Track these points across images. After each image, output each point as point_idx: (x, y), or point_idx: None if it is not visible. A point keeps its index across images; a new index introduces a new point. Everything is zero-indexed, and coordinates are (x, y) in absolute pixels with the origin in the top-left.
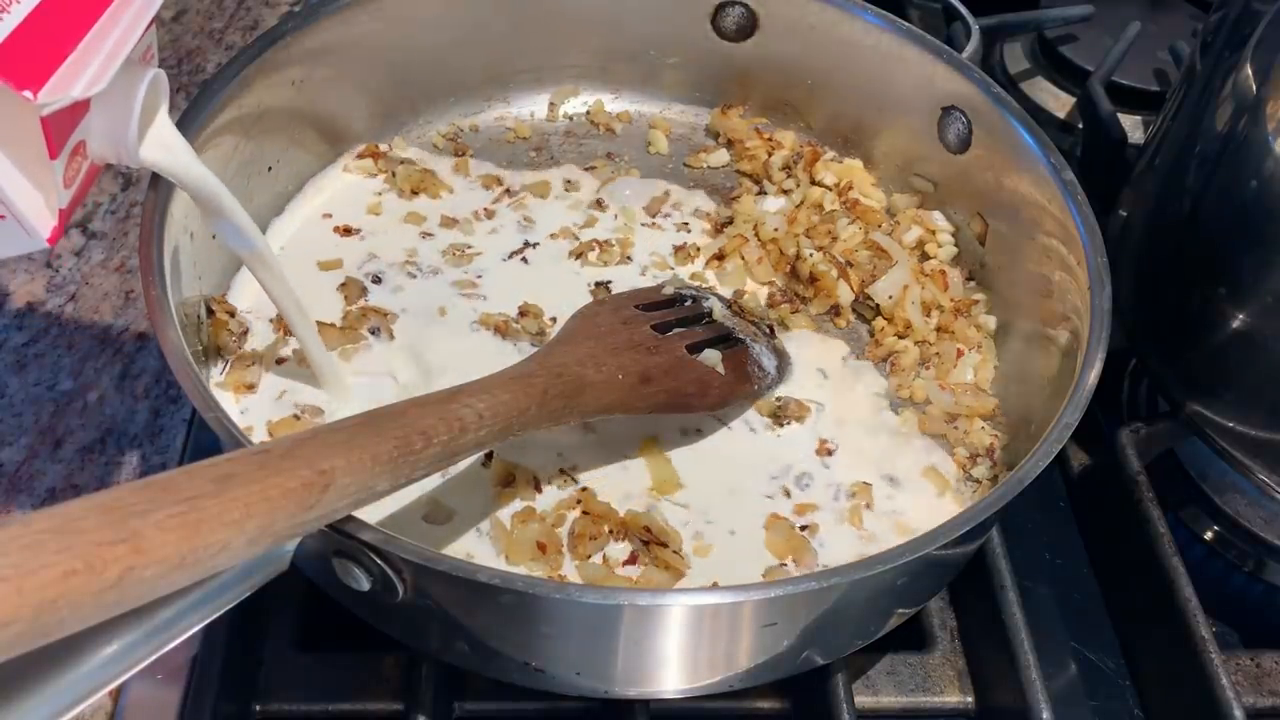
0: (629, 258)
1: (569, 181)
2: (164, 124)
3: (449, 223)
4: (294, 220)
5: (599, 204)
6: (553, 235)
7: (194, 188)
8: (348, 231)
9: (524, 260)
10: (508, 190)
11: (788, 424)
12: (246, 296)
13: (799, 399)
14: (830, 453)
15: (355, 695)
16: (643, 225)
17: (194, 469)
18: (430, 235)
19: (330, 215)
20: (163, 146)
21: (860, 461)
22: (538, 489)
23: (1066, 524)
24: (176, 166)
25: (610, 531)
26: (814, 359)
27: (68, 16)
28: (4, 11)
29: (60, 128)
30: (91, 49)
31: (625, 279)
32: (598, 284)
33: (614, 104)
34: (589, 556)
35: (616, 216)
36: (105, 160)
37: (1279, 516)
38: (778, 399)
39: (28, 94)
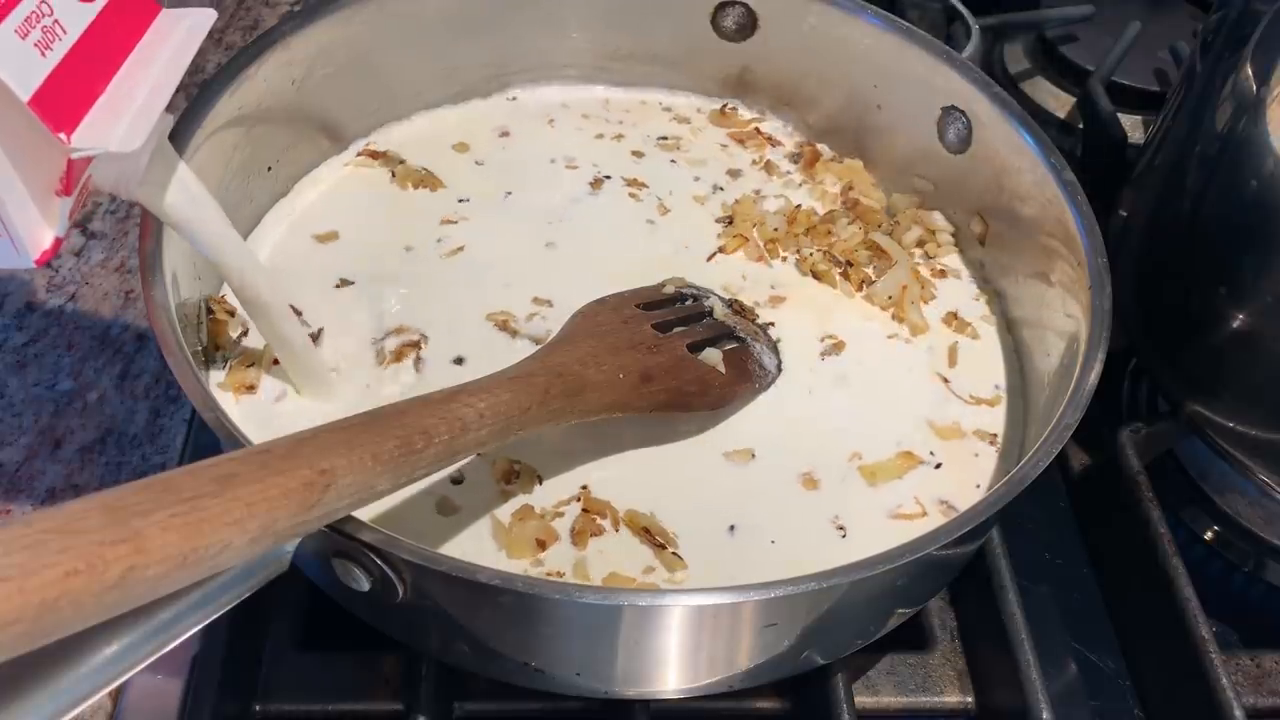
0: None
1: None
2: (175, 166)
3: (449, 220)
4: (293, 219)
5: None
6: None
7: (188, 229)
8: (347, 230)
9: (527, 255)
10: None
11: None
12: None
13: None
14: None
15: (355, 695)
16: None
17: (195, 468)
18: (431, 233)
19: (330, 214)
20: (162, 186)
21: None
22: (538, 482)
23: (1066, 524)
24: (176, 209)
25: (611, 526)
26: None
27: (99, 59)
28: (47, 49)
29: (80, 165)
30: (121, 95)
31: (644, 269)
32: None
33: None
34: (587, 549)
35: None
36: (103, 190)
37: (1279, 516)
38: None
39: (62, 136)
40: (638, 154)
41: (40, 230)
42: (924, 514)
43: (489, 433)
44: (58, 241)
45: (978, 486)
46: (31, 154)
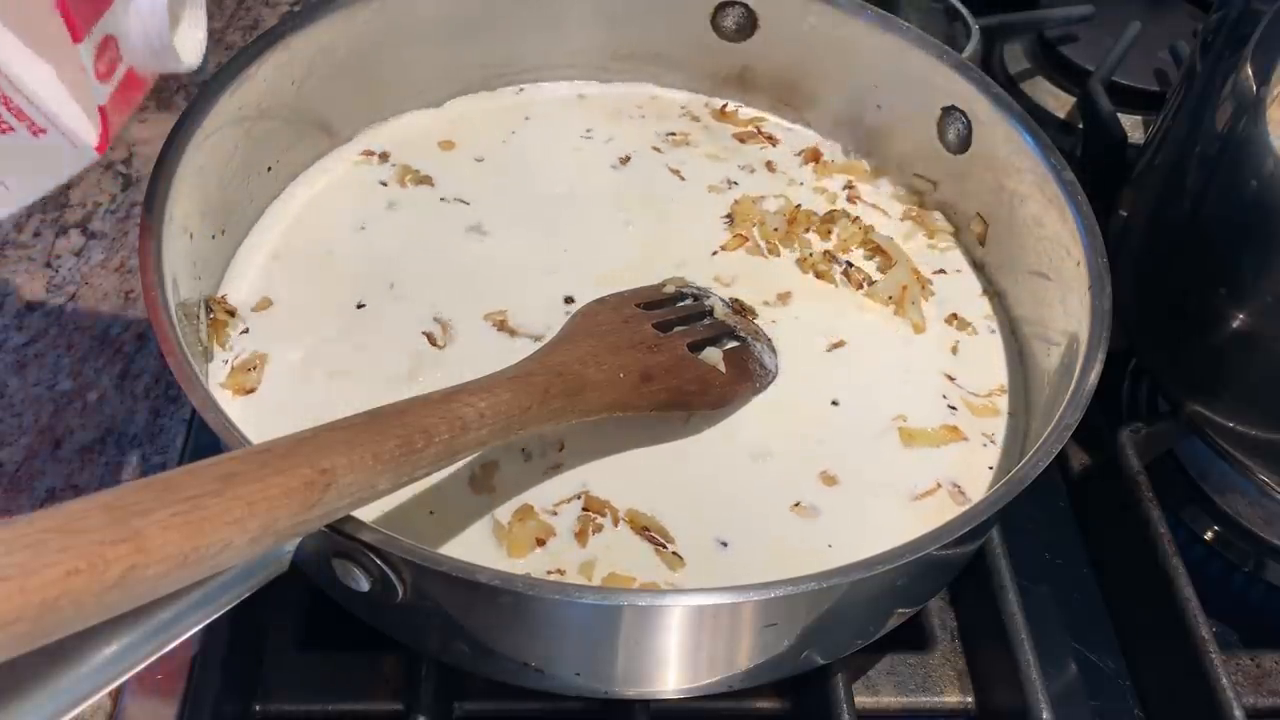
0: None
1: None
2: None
3: (449, 217)
4: (293, 218)
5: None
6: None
7: None
8: (345, 230)
9: (527, 251)
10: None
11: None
12: (241, 290)
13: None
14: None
15: (355, 695)
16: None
17: (196, 468)
18: (430, 230)
19: (329, 214)
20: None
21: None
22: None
23: (1066, 524)
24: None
25: (611, 522)
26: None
27: None
28: None
29: (80, 10)
30: None
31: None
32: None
33: None
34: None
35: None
36: (148, 67)
37: (1279, 516)
38: None
39: None
40: (656, 150)
41: (86, 121)
42: (938, 486)
43: (489, 432)
44: (105, 117)
45: (990, 468)
46: (61, 47)
